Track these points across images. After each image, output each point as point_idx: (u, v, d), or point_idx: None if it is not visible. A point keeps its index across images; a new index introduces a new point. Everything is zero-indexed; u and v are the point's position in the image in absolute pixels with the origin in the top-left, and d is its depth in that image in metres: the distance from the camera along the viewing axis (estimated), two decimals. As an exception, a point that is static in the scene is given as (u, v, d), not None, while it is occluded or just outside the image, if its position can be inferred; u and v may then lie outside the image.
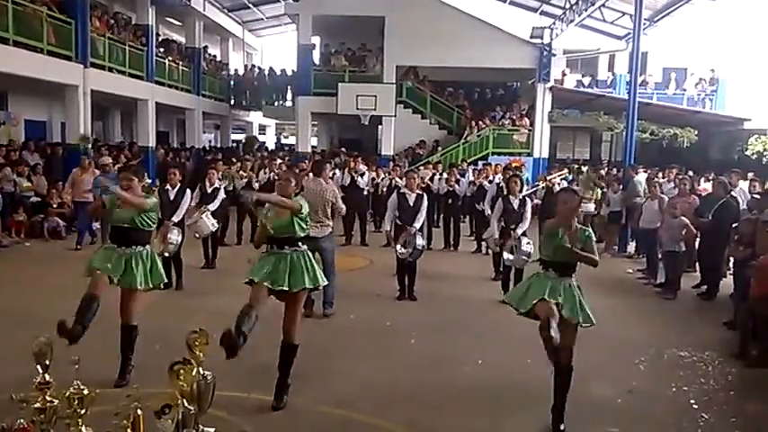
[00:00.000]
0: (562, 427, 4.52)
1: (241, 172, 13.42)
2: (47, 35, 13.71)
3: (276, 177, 5.31)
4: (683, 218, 8.99)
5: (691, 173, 14.81)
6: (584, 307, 4.47)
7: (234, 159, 16.27)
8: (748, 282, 6.82)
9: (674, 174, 13.16)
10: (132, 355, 5.24)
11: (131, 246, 5.11)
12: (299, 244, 4.93)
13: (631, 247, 12.66)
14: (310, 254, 5.01)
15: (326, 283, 5.31)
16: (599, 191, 14.16)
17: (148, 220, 5.23)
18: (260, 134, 34.10)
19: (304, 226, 4.95)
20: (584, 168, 17.22)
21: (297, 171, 6.04)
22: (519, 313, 4.62)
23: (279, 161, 15.47)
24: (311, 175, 7.44)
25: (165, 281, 5.59)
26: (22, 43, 12.85)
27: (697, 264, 9.92)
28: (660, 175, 13.83)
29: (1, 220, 11.45)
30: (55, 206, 12.89)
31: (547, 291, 4.39)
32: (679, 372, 5.90)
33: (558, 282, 4.46)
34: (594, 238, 4.70)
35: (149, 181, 10.64)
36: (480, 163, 16.62)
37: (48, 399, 2.76)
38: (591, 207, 14.14)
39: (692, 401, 5.18)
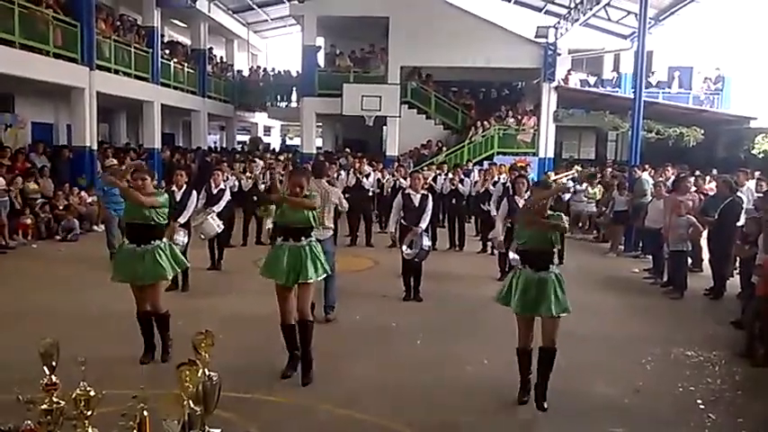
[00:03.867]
0: (545, 405, 4.75)
1: (247, 173, 13.45)
2: (53, 38, 13.76)
3: (284, 178, 5.52)
4: (689, 216, 8.96)
5: (698, 172, 14.78)
6: (559, 297, 4.71)
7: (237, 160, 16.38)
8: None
9: (671, 172, 13.12)
10: (170, 337, 5.66)
11: (150, 242, 5.41)
12: (312, 234, 5.33)
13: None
14: (318, 244, 5.41)
15: (324, 275, 5.56)
16: (598, 191, 14.13)
17: (162, 216, 5.51)
18: (265, 135, 34.18)
19: (316, 217, 5.38)
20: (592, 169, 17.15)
21: (308, 170, 6.13)
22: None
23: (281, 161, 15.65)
24: (312, 177, 7.41)
25: (188, 264, 6.09)
26: (28, 46, 12.90)
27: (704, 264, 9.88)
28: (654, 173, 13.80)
29: (8, 222, 11.49)
30: (61, 208, 12.95)
31: (516, 302, 4.76)
32: (686, 371, 5.88)
33: (534, 279, 4.73)
34: (566, 219, 4.98)
35: (155, 182, 10.66)
36: (486, 163, 16.62)
37: (54, 400, 2.77)
38: (593, 207, 14.13)
39: (699, 401, 5.16)
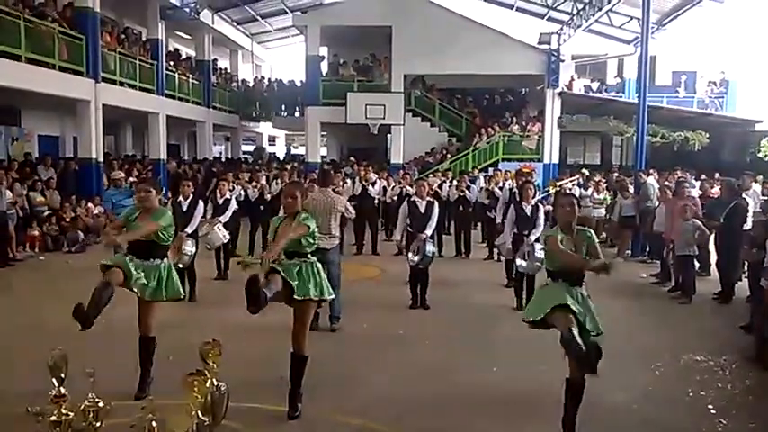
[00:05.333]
0: None
1: (253, 183, 13.46)
2: (58, 51, 13.86)
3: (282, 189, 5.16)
4: (695, 220, 8.93)
5: (703, 176, 14.74)
6: (595, 317, 4.43)
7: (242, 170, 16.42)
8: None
9: (678, 176, 13.10)
10: (151, 366, 5.24)
11: (150, 258, 5.07)
12: (308, 257, 4.93)
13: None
14: (319, 265, 5.00)
15: (333, 296, 5.26)
16: (608, 196, 14.09)
17: (168, 235, 5.22)
18: (270, 145, 34.28)
19: (311, 241, 4.92)
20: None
21: (302, 183, 5.92)
22: (532, 323, 4.53)
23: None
24: (318, 186, 7.42)
25: (182, 295, 5.54)
26: (34, 60, 13.00)
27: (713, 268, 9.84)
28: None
29: (16, 235, 11.54)
30: (68, 220, 13.00)
31: (566, 297, 4.29)
32: (696, 376, 5.85)
33: (571, 290, 4.39)
34: (597, 239, 4.67)
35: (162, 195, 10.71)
36: (491, 169, 16.61)
37: (63, 412, 2.78)
38: (602, 212, 14.08)
39: (710, 406, 5.12)
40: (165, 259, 5.24)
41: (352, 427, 4.66)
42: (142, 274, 4.97)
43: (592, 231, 4.70)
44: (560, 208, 4.60)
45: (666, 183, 12.28)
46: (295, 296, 4.71)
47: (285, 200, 4.98)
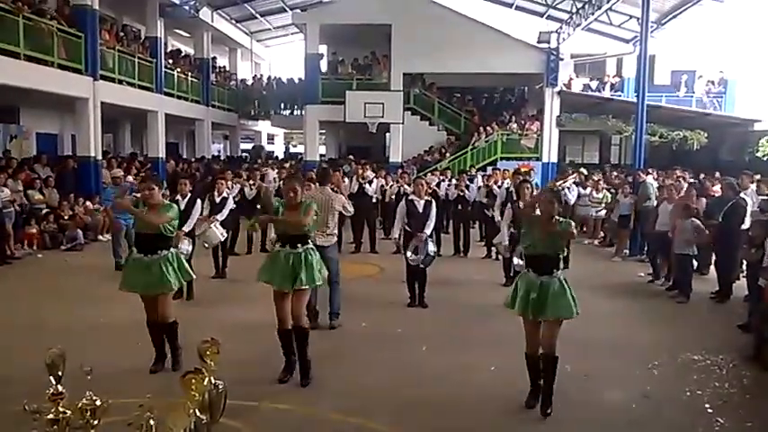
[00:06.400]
0: (549, 411, 4.76)
1: (251, 181, 13.47)
2: (57, 49, 13.84)
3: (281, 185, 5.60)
4: (693, 219, 8.93)
5: (702, 175, 14.73)
6: (561, 300, 4.72)
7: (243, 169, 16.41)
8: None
9: (677, 176, 13.09)
10: (178, 346, 5.62)
11: (158, 251, 5.44)
12: (309, 241, 5.39)
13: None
14: (316, 252, 5.46)
15: (321, 283, 5.62)
16: (609, 195, 14.07)
17: (171, 227, 5.57)
18: (268, 143, 34.26)
19: (312, 224, 5.43)
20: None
21: (300, 177, 6.24)
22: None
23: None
24: (317, 184, 7.43)
25: (194, 276, 6.07)
26: (33, 57, 12.98)
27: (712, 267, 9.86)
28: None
29: (14, 233, 11.53)
30: (66, 218, 12.99)
31: (519, 304, 4.83)
32: (693, 375, 5.85)
33: (536, 283, 4.77)
34: (574, 225, 5.02)
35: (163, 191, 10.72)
36: (489, 168, 16.61)
37: (60, 410, 2.78)
38: (602, 211, 14.07)
39: (707, 405, 5.13)
40: (172, 249, 5.62)
41: (350, 426, 4.66)
42: (154, 276, 5.39)
43: (571, 222, 5.05)
44: (540, 203, 4.99)
45: (670, 181, 12.27)
46: (295, 288, 5.25)
47: (287, 195, 5.38)
